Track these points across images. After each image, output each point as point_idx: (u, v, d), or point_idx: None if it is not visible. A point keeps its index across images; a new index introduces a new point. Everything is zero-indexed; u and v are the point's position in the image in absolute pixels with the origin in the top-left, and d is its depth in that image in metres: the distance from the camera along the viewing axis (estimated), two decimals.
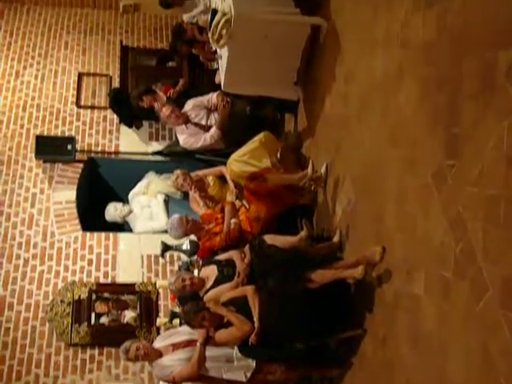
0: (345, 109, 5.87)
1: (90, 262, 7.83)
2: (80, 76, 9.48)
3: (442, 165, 3.85)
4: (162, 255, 7.30)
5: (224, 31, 6.38)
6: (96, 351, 7.27)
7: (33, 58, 9.66)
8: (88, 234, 8.07)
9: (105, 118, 9.07)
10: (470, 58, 3.59)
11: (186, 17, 8.69)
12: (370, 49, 5.26)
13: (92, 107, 9.19)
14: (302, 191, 6.51)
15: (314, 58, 6.78)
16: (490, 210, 3.29)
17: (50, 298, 7.47)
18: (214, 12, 6.67)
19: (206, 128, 7.30)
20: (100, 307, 7.46)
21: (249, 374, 5.42)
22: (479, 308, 3.34)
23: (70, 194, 8.29)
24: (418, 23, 4.32)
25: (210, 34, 6.64)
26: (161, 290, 7.57)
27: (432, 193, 3.98)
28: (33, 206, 8.15)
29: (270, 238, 5.59)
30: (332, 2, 6.38)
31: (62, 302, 7.39)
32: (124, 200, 8.76)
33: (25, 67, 9.52)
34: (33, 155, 8.33)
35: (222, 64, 7.04)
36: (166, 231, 6.90)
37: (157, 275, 7.76)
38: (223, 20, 6.31)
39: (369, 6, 5.32)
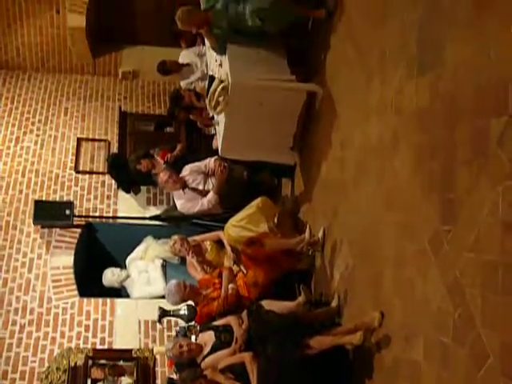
0: (341, 174, 5.91)
1: (86, 328, 7.73)
2: (79, 141, 9.57)
3: (438, 230, 3.86)
4: (160, 321, 7.22)
5: (221, 98, 6.47)
6: None
7: (33, 123, 9.77)
8: (85, 299, 7.99)
9: (103, 183, 9.11)
10: (462, 125, 3.64)
11: (183, 83, 8.83)
12: (365, 115, 5.33)
13: (90, 172, 9.25)
14: (299, 256, 6.50)
15: (310, 124, 6.86)
16: (488, 276, 3.27)
17: (46, 365, 7.35)
18: (212, 79, 6.78)
19: (204, 193, 7.32)
20: (96, 373, 7.34)
21: None
22: (480, 375, 3.30)
23: (67, 259, 8.26)
24: (411, 90, 4.39)
25: (207, 101, 6.73)
26: (158, 356, 7.46)
27: (429, 258, 3.97)
28: (30, 271, 8.10)
29: (267, 304, 5.56)
30: (327, 69, 6.49)
31: (57, 369, 7.26)
32: (122, 265, 8.72)
33: (25, 133, 9.62)
34: (31, 220, 8.33)
35: (220, 130, 7.12)
36: (163, 296, 6.85)
37: (154, 341, 7.66)
38: (220, 87, 6.41)
39: (363, 73, 5.41)
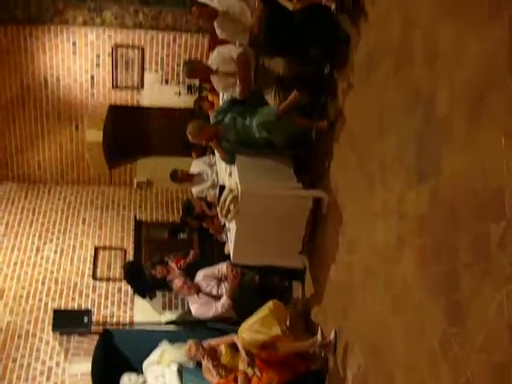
0: (349, 276, 5.90)
1: None
2: (96, 250, 9.65)
3: (447, 332, 3.82)
4: None
5: (232, 206, 6.56)
6: None
7: (52, 233, 9.89)
8: None
9: (119, 289, 9.12)
10: (463, 229, 3.67)
11: (195, 190, 8.97)
12: (369, 219, 5.37)
13: (107, 279, 9.27)
14: (312, 357, 6.41)
15: (317, 228, 6.91)
16: (499, 377, 3.22)
17: None
18: (222, 188, 6.90)
19: (217, 297, 7.31)
20: None
21: None
22: None
23: (85, 366, 8.15)
24: (412, 197, 4.45)
25: (218, 209, 6.82)
26: None
27: (439, 359, 3.91)
28: (48, 379, 8.00)
29: None
30: (331, 176, 6.59)
31: None
32: (138, 370, 8.58)
33: (45, 243, 9.73)
34: (50, 328, 8.29)
35: (231, 236, 7.18)
36: None
37: None
38: (230, 196, 6.51)
39: (366, 180, 5.50)
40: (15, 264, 9.33)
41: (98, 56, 9.41)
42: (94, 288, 9.14)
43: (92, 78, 9.63)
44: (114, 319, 8.79)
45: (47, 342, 8.37)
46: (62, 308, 8.77)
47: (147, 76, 9.68)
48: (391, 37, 5.09)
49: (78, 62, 9.49)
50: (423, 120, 4.36)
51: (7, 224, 9.99)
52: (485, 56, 3.56)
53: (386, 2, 5.30)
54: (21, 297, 8.88)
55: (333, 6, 5.90)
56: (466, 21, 3.82)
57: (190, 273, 7.74)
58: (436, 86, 4.20)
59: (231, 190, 6.60)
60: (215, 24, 6.64)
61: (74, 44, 9.21)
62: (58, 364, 8.17)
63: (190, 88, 9.61)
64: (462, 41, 3.86)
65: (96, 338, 8.49)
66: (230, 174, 7.13)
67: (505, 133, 3.27)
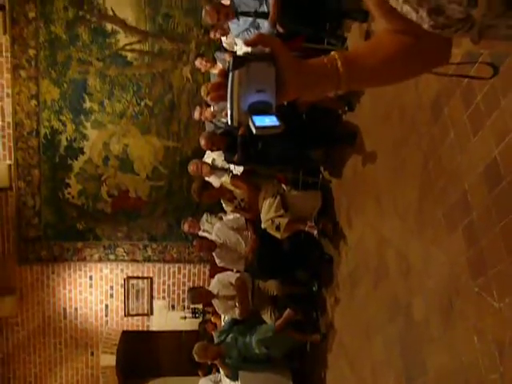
0: None
1: None
2: None
3: None
4: None
5: None
6: None
7: None
8: None
9: None
10: None
11: None
12: None
13: None
14: None
15: None
16: None
17: None
18: None
19: None
20: None
21: None
22: None
23: None
24: None
25: None
26: None
27: None
28: None
29: None
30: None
31: None
32: None
33: None
34: None
35: None
36: None
37: None
38: None
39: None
40: None
41: (111, 287, 9.69)
42: None
43: (106, 306, 9.83)
44: None
45: None
46: None
47: (156, 303, 9.87)
48: (368, 256, 5.39)
49: (94, 293, 9.74)
50: (404, 325, 4.50)
51: None
52: (449, 265, 3.81)
53: (361, 226, 5.67)
54: None
55: (315, 232, 6.27)
56: (430, 237, 4.12)
57: None
58: (411, 295, 4.40)
59: None
60: (214, 254, 7.00)
61: (90, 278, 9.53)
62: None
63: (194, 312, 9.76)
64: (428, 254, 4.13)
65: None
66: None
67: (477, 332, 3.41)
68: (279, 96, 1.13)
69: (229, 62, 1.12)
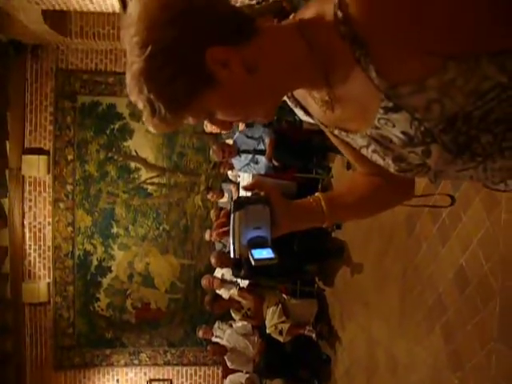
0: None
1: None
2: None
3: None
4: None
5: None
6: None
7: None
8: None
9: None
10: None
11: None
12: None
13: None
14: None
15: None
16: None
17: None
18: None
19: None
20: None
21: None
22: None
23: None
24: None
25: None
26: None
27: None
28: None
29: None
30: None
31: None
32: None
33: None
34: None
35: None
36: None
37: None
38: None
39: None
40: None
41: None
42: None
43: None
44: None
45: None
46: None
47: None
48: (360, 354, 5.29)
49: None
50: None
51: None
52: (431, 360, 3.75)
53: (354, 328, 5.60)
54: None
55: (314, 335, 6.18)
56: (413, 336, 4.08)
57: None
58: None
59: None
60: (226, 358, 6.85)
61: (117, 381, 9.22)
62: None
63: None
64: (412, 351, 4.07)
65: None
66: None
67: None
68: (274, 231, 1.17)
69: (230, 205, 1.19)
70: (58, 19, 7.24)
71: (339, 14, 0.92)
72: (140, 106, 1.02)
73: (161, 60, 0.95)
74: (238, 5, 5.63)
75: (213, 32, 0.96)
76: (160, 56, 0.95)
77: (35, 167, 8.35)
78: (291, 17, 1.05)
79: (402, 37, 0.90)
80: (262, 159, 5.89)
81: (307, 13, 1.01)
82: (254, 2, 4.67)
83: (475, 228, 3.27)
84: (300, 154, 5.87)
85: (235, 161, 6.21)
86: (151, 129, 1.06)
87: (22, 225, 8.49)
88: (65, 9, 6.80)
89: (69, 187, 8.63)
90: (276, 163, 5.91)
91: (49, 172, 8.48)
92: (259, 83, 1.00)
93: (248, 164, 6.02)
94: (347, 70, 0.97)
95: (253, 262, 1.14)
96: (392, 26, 0.89)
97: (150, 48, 0.94)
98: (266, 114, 1.08)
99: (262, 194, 1.19)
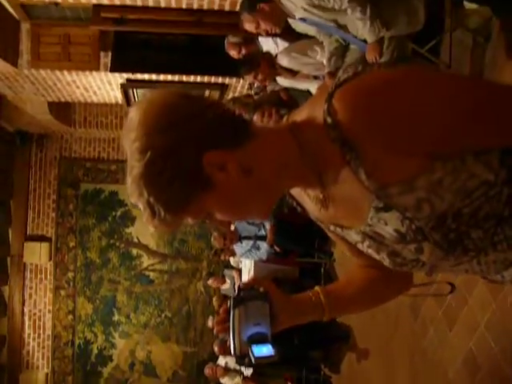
0: None
1: None
2: None
3: None
4: None
5: None
6: None
7: None
8: None
9: None
10: None
11: None
12: None
13: None
14: None
15: None
16: None
17: None
18: None
19: None
20: None
21: None
22: None
23: None
24: None
25: None
26: None
27: None
28: None
29: None
30: None
31: None
32: None
33: None
34: None
35: None
36: None
37: None
38: None
39: None
40: None
41: None
42: None
43: None
44: None
45: None
46: None
47: None
48: None
49: None
50: None
51: None
52: None
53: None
54: None
55: None
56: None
57: None
58: None
59: None
60: None
61: None
62: None
63: None
64: None
65: None
66: None
67: None
68: (274, 326, 1.17)
69: (229, 301, 1.18)
70: (62, 110, 7.49)
71: (328, 119, 0.97)
72: (141, 207, 1.06)
73: (160, 165, 0.99)
74: (237, 95, 5.86)
75: (210, 137, 1.01)
76: (159, 161, 0.99)
77: (37, 254, 8.36)
78: (285, 119, 1.11)
79: (390, 140, 0.95)
80: (264, 245, 5.91)
81: (300, 115, 1.07)
82: (252, 92, 4.86)
83: (481, 311, 3.24)
84: (301, 239, 5.89)
85: (236, 247, 6.21)
86: (152, 229, 1.09)
87: (22, 312, 8.39)
88: (70, 100, 7.04)
89: (70, 274, 8.59)
90: (277, 249, 5.92)
91: (50, 259, 8.48)
92: (255, 184, 1.04)
93: (249, 250, 6.03)
94: (338, 171, 1.02)
95: (253, 360, 1.13)
96: (379, 131, 0.94)
97: (149, 154, 0.99)
98: (263, 213, 1.12)
99: (261, 289, 1.19)
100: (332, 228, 1.19)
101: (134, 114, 1.03)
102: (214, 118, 1.03)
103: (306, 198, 1.18)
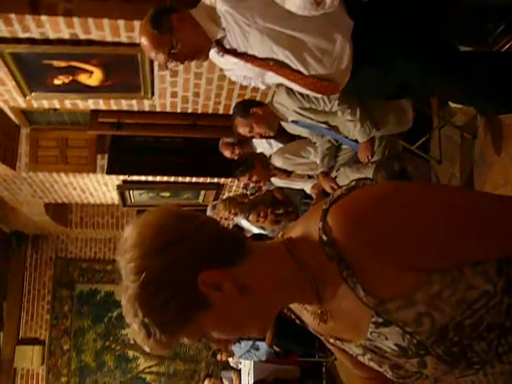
0: None
1: None
2: None
3: None
4: None
5: None
6: None
7: None
8: None
9: None
10: None
11: None
12: None
13: None
14: None
15: None
16: None
17: None
18: None
19: None
20: None
21: None
22: None
23: None
24: None
25: None
26: None
27: None
28: None
29: None
30: None
31: None
32: None
33: None
34: None
35: None
36: None
37: None
38: None
39: None
40: None
41: None
42: None
43: None
44: None
45: None
46: None
47: None
48: None
49: None
50: None
51: None
52: None
53: None
54: None
55: None
56: None
57: None
58: None
59: None
60: None
61: None
62: None
63: None
64: None
65: None
66: None
67: None
68: None
69: None
70: (59, 211, 7.52)
71: (324, 237, 0.98)
72: (135, 328, 1.03)
73: (154, 286, 0.98)
74: (232, 194, 5.91)
75: (204, 257, 1.01)
76: (153, 283, 0.98)
77: (28, 359, 8.07)
78: (279, 235, 1.11)
79: (385, 256, 0.95)
80: (263, 345, 5.76)
81: (295, 232, 1.07)
82: (248, 192, 4.90)
83: None
84: (301, 339, 5.74)
85: (235, 348, 6.05)
86: (147, 350, 1.06)
87: None
88: (66, 202, 7.09)
89: (63, 379, 8.26)
90: (277, 349, 5.76)
91: (43, 363, 8.19)
92: (252, 302, 1.03)
93: (248, 351, 5.87)
94: (336, 287, 1.01)
95: None
96: (374, 247, 0.95)
97: (143, 275, 0.98)
98: (261, 330, 1.10)
99: None
100: (332, 341, 1.17)
101: (129, 234, 1.03)
102: (209, 238, 1.03)
103: (305, 312, 1.16)
